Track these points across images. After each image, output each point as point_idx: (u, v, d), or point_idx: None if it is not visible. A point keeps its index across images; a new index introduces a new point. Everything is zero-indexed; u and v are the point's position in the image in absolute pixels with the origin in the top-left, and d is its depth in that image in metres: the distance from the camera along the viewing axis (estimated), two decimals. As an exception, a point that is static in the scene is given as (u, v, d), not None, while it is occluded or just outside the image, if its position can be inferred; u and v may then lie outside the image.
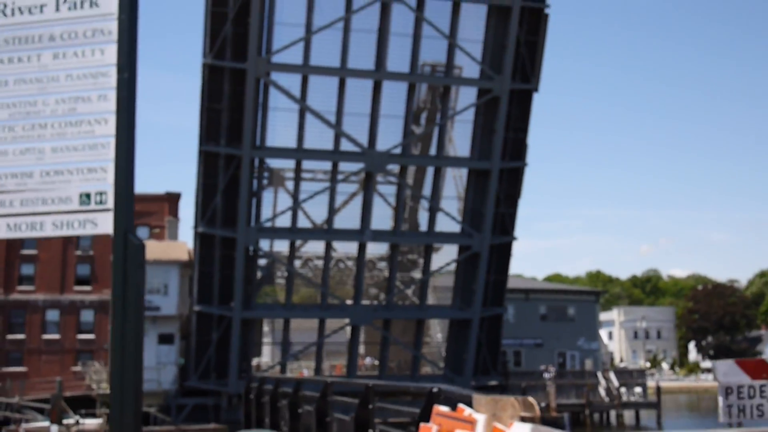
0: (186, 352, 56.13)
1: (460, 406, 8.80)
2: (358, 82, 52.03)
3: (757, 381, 11.59)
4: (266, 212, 55.33)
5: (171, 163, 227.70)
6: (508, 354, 68.27)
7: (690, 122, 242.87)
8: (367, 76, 51.29)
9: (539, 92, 53.75)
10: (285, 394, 17.70)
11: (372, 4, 49.96)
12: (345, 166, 54.40)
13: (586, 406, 57.93)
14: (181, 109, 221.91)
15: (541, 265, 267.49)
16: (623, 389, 61.32)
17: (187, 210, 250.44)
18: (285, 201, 56.59)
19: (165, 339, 56.95)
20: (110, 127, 10.17)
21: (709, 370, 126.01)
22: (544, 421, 8.47)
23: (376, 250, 60.23)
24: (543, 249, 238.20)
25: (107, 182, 10.03)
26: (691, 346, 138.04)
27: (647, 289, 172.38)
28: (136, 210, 10.36)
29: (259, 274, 57.45)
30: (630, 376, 65.00)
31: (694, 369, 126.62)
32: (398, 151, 52.94)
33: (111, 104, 10.23)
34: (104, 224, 9.91)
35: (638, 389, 63.08)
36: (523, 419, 8.17)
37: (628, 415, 62.36)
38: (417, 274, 59.91)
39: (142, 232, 62.69)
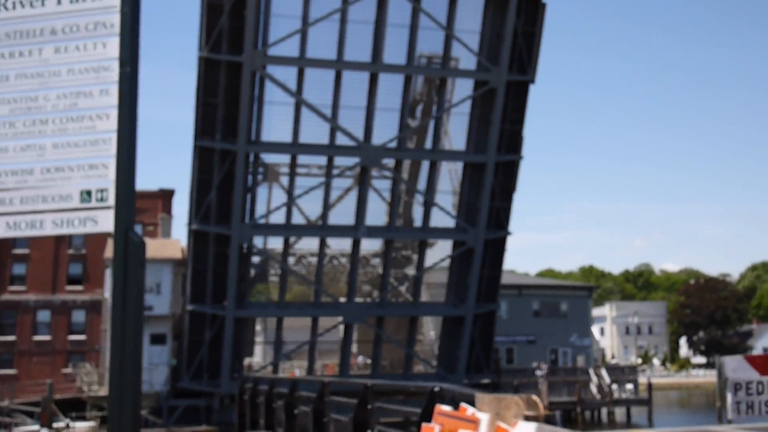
0: (178, 353, 55.72)
1: (463, 405, 8.68)
2: (354, 74, 51.73)
3: (766, 377, 11.51)
4: (260, 208, 55.06)
5: (164, 159, 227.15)
6: (501, 351, 68.19)
7: (683, 116, 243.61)
8: (364, 68, 51.01)
9: (534, 84, 53.56)
10: (280, 394, 17.51)
11: (369, -6, 49.77)
12: (340, 161, 54.12)
13: (578, 404, 57.78)
14: (174, 104, 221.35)
15: (533, 260, 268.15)
16: (615, 386, 61.25)
17: (180, 207, 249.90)
18: (279, 197, 56.32)
19: (157, 339, 56.39)
20: (112, 122, 10.00)
21: (700, 366, 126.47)
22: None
23: (369, 246, 60.01)
24: (535, 244, 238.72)
25: (108, 179, 9.86)
26: (683, 341, 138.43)
27: (639, 283, 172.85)
28: (128, 207, 10.20)
29: (252, 272, 57.10)
30: (621, 373, 64.93)
31: (685, 365, 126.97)
32: (394, 144, 52.66)
33: (113, 99, 10.06)
34: (105, 222, 9.74)
35: (630, 386, 63.02)
36: (528, 418, 8.09)
37: (620, 413, 62.32)
38: (411, 271, 59.67)
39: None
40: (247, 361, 57.24)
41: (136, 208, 10.11)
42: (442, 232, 55.26)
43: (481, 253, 53.68)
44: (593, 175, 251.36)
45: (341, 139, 52.13)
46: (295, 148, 52.27)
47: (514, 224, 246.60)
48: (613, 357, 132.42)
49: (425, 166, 55.94)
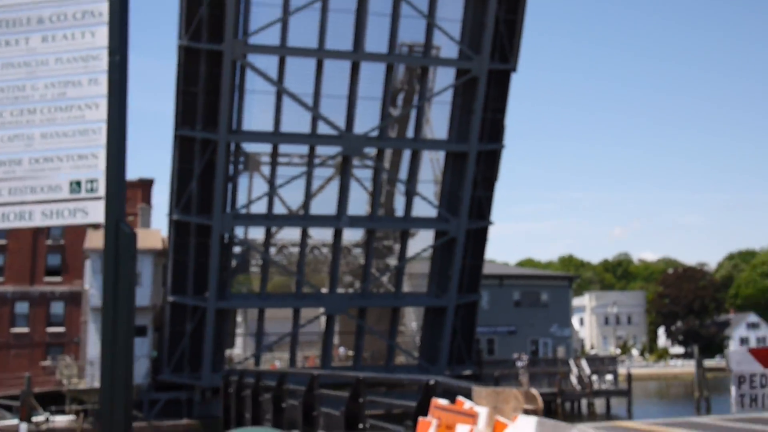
0: (159, 345, 55.35)
1: (460, 398, 8.61)
2: (335, 63, 51.52)
3: (770, 369, 11.49)
4: (242, 198, 54.78)
5: (143, 150, 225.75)
6: (482, 342, 68.26)
7: (662, 103, 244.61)
8: (345, 57, 50.81)
9: (516, 72, 53.56)
10: (267, 387, 17.35)
11: (350, -18, 49.50)
12: (322, 150, 53.91)
13: (558, 395, 57.96)
14: (153, 94, 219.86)
15: (512, 249, 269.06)
16: (595, 377, 61.58)
17: (159, 197, 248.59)
18: (260, 186, 56.01)
19: (138, 331, 55.69)
20: (101, 112, 9.84)
21: (678, 356, 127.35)
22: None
23: (350, 236, 59.89)
24: (515, 233, 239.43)
25: (98, 169, 9.71)
26: (661, 331, 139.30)
27: (618, 273, 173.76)
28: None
29: (233, 263, 56.82)
30: (601, 364, 65.36)
31: (664, 355, 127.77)
32: (375, 134, 52.53)
33: (102, 88, 9.90)
34: (95, 213, 9.59)
35: (609, 377, 63.43)
36: (527, 412, 8.02)
37: (599, 404, 62.64)
38: (392, 261, 59.60)
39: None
40: (227, 353, 56.96)
41: (116, 198, 9.93)
42: (424, 222, 55.22)
43: (463, 243, 53.69)
44: (572, 165, 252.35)
45: (323, 128, 51.95)
46: (276, 137, 52.01)
47: (493, 214, 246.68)
48: (592, 347, 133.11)
49: (407, 155, 55.86)
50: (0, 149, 9.87)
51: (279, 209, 54.75)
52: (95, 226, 53.05)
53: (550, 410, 56.89)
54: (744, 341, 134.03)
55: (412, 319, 61.79)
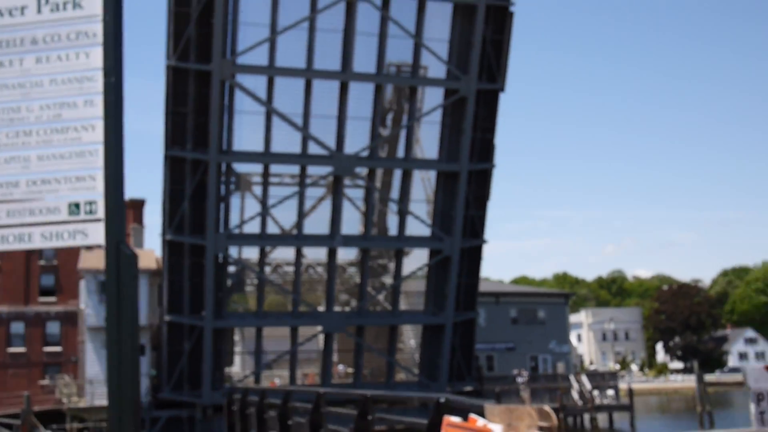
0: (158, 364, 55.18)
1: (472, 416, 8.49)
2: (324, 83, 51.55)
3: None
4: (234, 218, 54.68)
5: (133, 170, 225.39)
6: (481, 359, 68.15)
7: (653, 120, 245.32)
8: (334, 77, 50.86)
9: (505, 92, 53.65)
10: (272, 405, 17.26)
11: (337, 3, 49.44)
12: (313, 170, 53.89)
13: (560, 410, 57.78)
14: (141, 113, 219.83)
15: (506, 267, 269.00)
16: (596, 392, 61.49)
17: (150, 217, 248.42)
18: (252, 206, 55.93)
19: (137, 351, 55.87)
20: (98, 133, 9.78)
21: (678, 371, 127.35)
22: None
23: (345, 255, 59.81)
24: (508, 251, 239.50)
25: (97, 191, 9.65)
26: (659, 346, 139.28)
27: (613, 290, 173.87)
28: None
29: (228, 282, 56.69)
30: (602, 379, 65.31)
31: (663, 370, 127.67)
32: (366, 153, 52.53)
33: (98, 110, 9.84)
34: (95, 235, 9.52)
35: (610, 392, 63.33)
36: (542, 429, 7.91)
37: (602, 419, 62.52)
38: (387, 279, 59.50)
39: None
40: (226, 371, 56.81)
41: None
42: (417, 241, 55.16)
43: (458, 262, 53.62)
44: (562, 183, 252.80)
45: (313, 148, 51.90)
46: (267, 157, 51.96)
47: (485, 232, 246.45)
48: (591, 363, 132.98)
49: (398, 174, 55.81)
50: (-4, 171, 9.81)
51: (272, 229, 54.66)
52: (90, 248, 52.95)
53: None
54: (743, 356, 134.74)
55: (410, 337, 61.64)
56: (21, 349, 64.53)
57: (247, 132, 52.35)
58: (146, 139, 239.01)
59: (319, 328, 54.43)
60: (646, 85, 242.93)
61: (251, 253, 56.99)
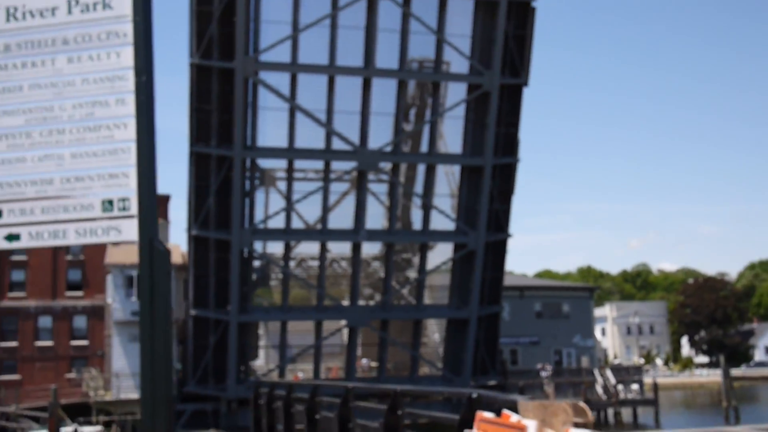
0: (183, 357, 55.54)
1: (505, 412, 8.49)
2: (347, 79, 51.63)
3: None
4: (259, 213, 54.92)
5: (158, 166, 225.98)
6: (505, 353, 68.05)
7: (677, 114, 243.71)
8: (356, 73, 50.93)
9: (528, 86, 53.51)
10: (299, 399, 17.36)
11: (358, 0, 49.59)
12: (337, 165, 54.02)
13: (585, 405, 57.62)
14: (166, 110, 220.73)
15: (530, 261, 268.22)
16: (620, 386, 61.25)
17: (175, 213, 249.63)
18: (277, 201, 56.17)
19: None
20: (130, 131, 9.93)
21: (703, 365, 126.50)
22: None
23: (369, 249, 59.86)
24: (531, 245, 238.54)
25: (130, 188, 9.80)
26: (684, 340, 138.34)
27: (638, 283, 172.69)
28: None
29: (254, 277, 56.95)
30: (626, 373, 65.00)
31: (688, 364, 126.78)
32: (389, 148, 52.60)
33: (130, 108, 9.98)
34: (128, 231, 9.67)
35: (635, 386, 63.02)
36: (577, 425, 7.85)
37: (626, 413, 62.24)
38: (412, 273, 59.56)
39: (133, 236, 62.17)
40: (250, 364, 57.09)
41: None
42: (442, 235, 55.18)
43: (483, 256, 53.57)
44: (587, 176, 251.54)
45: (337, 144, 51.99)
46: (291, 153, 52.14)
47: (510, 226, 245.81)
48: (615, 357, 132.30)
49: (421, 169, 55.81)
50: (31, 169, 9.97)
51: (297, 224, 54.83)
52: (117, 243, 53.31)
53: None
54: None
55: (434, 331, 61.69)
56: (48, 343, 65.23)
57: (271, 128, 52.60)
58: (170, 135, 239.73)
59: (344, 322, 54.56)
60: (672, 82, 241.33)
61: (276, 248, 57.20)
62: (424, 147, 55.78)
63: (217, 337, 51.65)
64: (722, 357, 70.51)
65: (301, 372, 59.40)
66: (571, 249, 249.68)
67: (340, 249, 59.22)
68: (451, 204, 55.89)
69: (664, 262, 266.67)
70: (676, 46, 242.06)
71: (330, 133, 51.27)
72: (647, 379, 68.24)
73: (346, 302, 55.04)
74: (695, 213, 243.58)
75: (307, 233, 54.87)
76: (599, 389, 60.32)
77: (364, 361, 62.58)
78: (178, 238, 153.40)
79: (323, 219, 53.30)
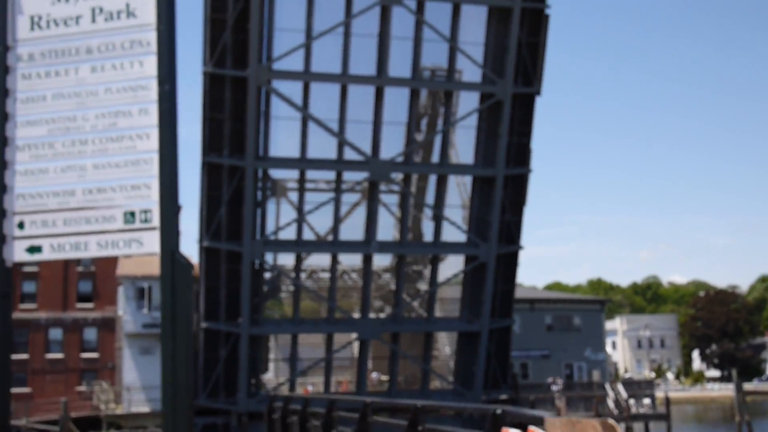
0: (194, 370, 55.31)
1: (531, 428, 8.34)
2: (360, 88, 51.45)
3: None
4: (270, 225, 54.73)
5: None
6: (515, 366, 67.70)
7: (687, 125, 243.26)
8: (369, 82, 50.71)
9: (540, 95, 53.23)
10: (315, 413, 17.18)
11: (372, 7, 49.34)
12: (348, 176, 53.82)
13: (595, 420, 57.24)
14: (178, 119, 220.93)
15: (539, 273, 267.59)
16: (632, 401, 60.88)
17: (186, 223, 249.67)
18: (288, 212, 56.01)
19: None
20: (153, 142, 9.84)
21: (715, 379, 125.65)
22: None
23: (379, 261, 59.62)
24: (540, 257, 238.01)
25: (152, 199, 9.70)
26: (695, 354, 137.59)
27: (648, 296, 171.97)
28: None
29: (264, 288, 56.70)
30: (638, 387, 64.67)
31: (700, 378, 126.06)
32: (401, 159, 52.37)
33: (152, 118, 9.90)
34: (150, 243, 9.57)
35: (647, 400, 62.66)
36: (606, 442, 7.70)
37: (638, 428, 61.79)
38: (423, 286, 59.26)
39: (144, 247, 62.08)
40: (261, 378, 56.84)
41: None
42: (453, 247, 54.84)
43: (494, 268, 53.16)
44: (596, 187, 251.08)
45: (349, 154, 51.75)
46: (303, 163, 51.96)
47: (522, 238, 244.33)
48: (626, 371, 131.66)
49: (433, 179, 55.58)
50: (53, 180, 9.89)
51: (308, 235, 54.62)
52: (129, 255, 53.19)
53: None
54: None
55: (445, 344, 61.31)
56: (59, 355, 65.11)
57: (283, 138, 52.44)
58: (181, 145, 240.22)
59: (354, 335, 54.26)
60: (683, 92, 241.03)
61: (287, 260, 56.99)
62: (435, 157, 55.51)
63: (228, 350, 51.36)
64: (734, 371, 70.03)
65: (311, 385, 59.11)
66: (580, 261, 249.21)
67: (350, 261, 58.98)
68: (462, 215, 55.55)
69: (675, 275, 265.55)
70: (686, 55, 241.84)
71: (342, 143, 51.08)
72: (659, 394, 67.87)
73: (356, 315, 54.74)
74: (706, 225, 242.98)
75: (318, 245, 54.64)
76: (611, 403, 59.94)
77: (375, 374, 62.23)
78: (188, 249, 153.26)
79: (334, 230, 53.05)
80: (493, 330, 54.09)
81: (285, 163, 52.63)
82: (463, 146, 55.35)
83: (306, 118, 50.56)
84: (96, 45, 10.26)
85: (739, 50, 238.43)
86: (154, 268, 56.75)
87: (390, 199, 56.76)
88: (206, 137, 49.80)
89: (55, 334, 65.60)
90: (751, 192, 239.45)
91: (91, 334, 66.17)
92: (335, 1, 49.50)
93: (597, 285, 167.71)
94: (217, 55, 48.25)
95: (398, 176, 54.01)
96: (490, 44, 51.89)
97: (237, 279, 50.63)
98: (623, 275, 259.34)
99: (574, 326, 72.88)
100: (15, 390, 61.91)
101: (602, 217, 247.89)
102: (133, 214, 9.75)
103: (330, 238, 53.57)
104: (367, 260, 53.31)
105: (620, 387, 61.50)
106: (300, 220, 52.77)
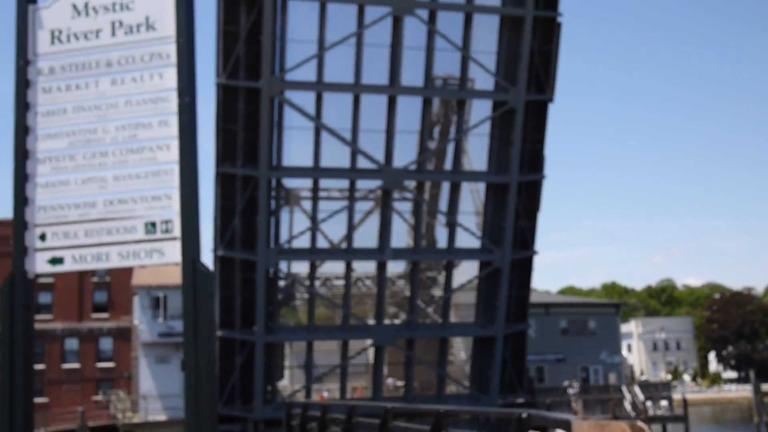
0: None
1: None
2: (372, 97, 51.61)
3: None
4: (284, 233, 54.90)
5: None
6: (531, 370, 67.66)
7: (700, 128, 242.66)
8: (382, 91, 50.86)
9: (553, 102, 53.31)
10: (335, 420, 17.23)
11: (384, 18, 49.50)
12: (362, 184, 53.99)
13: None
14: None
15: (553, 277, 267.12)
16: (649, 403, 60.77)
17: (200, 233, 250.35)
18: (301, 221, 56.14)
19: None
20: (173, 153, 9.97)
21: (731, 381, 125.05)
22: None
23: (393, 268, 59.70)
24: (554, 261, 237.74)
25: (173, 210, 9.82)
26: (712, 356, 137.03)
27: (663, 299, 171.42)
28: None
29: (279, 297, 56.88)
30: (655, 389, 64.52)
31: (716, 380, 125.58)
32: (414, 167, 52.50)
33: (172, 130, 10.03)
34: (171, 253, 9.70)
35: (664, 402, 62.52)
36: (636, 445, 7.69)
37: (656, 430, 61.65)
38: (437, 292, 59.31)
39: (159, 257, 62.41)
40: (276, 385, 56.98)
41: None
42: (467, 253, 54.91)
43: (508, 273, 53.21)
44: (609, 191, 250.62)
45: (362, 163, 51.91)
46: (316, 172, 52.14)
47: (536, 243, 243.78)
48: (642, 373, 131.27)
49: (446, 187, 55.66)
50: (74, 192, 10.02)
51: (321, 243, 54.74)
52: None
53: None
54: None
55: (460, 349, 61.34)
56: (75, 365, 65.46)
57: (296, 147, 52.60)
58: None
59: (369, 341, 54.36)
60: (696, 96, 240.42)
61: (301, 268, 57.14)
62: (448, 164, 55.63)
63: (243, 358, 51.54)
64: (752, 372, 69.84)
65: (326, 392, 59.23)
66: (595, 265, 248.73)
67: (364, 268, 59.08)
68: (476, 222, 55.64)
69: (689, 278, 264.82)
70: (702, 62, 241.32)
71: (355, 152, 51.25)
72: (676, 395, 67.68)
73: (371, 321, 54.85)
74: (720, 227, 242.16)
75: (332, 252, 54.79)
76: (627, 406, 59.82)
77: (390, 380, 62.30)
78: (203, 259, 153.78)
79: (348, 238, 53.19)
80: (509, 335, 54.10)
81: (298, 172, 52.80)
82: (476, 153, 55.42)
83: (319, 128, 50.74)
84: (116, 58, 10.41)
85: (749, 55, 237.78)
86: (169, 277, 57.11)
87: (403, 207, 56.90)
88: (219, 148, 50.01)
89: (71, 344, 65.99)
90: (764, 195, 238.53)
91: (106, 343, 66.53)
92: (347, 12, 49.66)
93: (611, 289, 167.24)
94: (230, 66, 48.49)
95: (411, 184, 54.14)
96: (503, 53, 51.95)
97: (252, 288, 50.82)
98: (637, 279, 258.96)
99: (590, 330, 72.82)
100: (33, 400, 62.34)
101: (616, 221, 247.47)
102: (154, 224, 9.87)
103: (344, 245, 53.71)
104: (381, 267, 53.42)
105: (637, 389, 61.37)
106: (314, 228, 52.93)
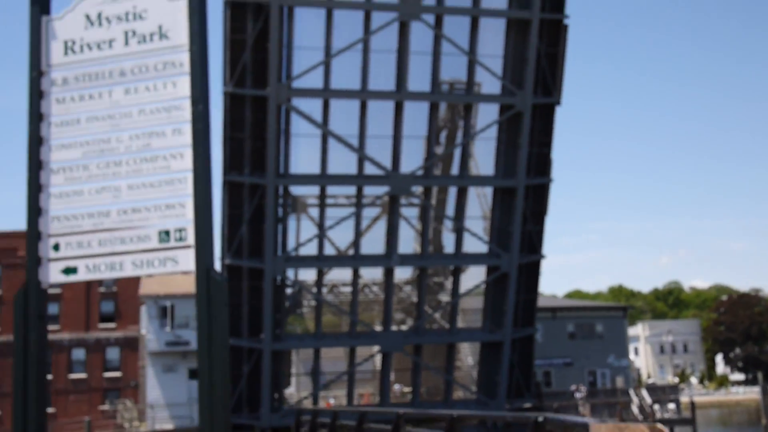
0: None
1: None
2: (379, 103, 51.60)
3: None
4: (291, 241, 54.89)
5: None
6: (538, 375, 67.60)
7: (704, 131, 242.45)
8: (389, 97, 50.83)
9: (560, 105, 53.23)
10: (344, 426, 17.23)
11: (390, 23, 49.53)
12: (369, 190, 53.94)
13: (620, 425, 57.01)
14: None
15: (559, 281, 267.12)
16: (656, 406, 60.67)
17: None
18: (308, 228, 56.16)
19: (196, 374, 56.23)
20: (187, 161, 10.00)
21: (739, 383, 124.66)
22: None
23: (400, 273, 59.69)
24: (560, 265, 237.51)
25: (186, 218, 9.85)
26: (719, 358, 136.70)
27: (670, 301, 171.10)
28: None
29: (286, 304, 56.88)
30: (662, 392, 64.43)
31: (724, 382, 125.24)
32: (421, 172, 52.47)
33: (186, 138, 10.06)
34: (185, 261, 9.72)
35: (671, 405, 62.41)
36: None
37: (663, 433, 61.46)
38: (444, 297, 59.25)
39: (166, 265, 62.49)
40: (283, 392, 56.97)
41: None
42: (474, 258, 54.82)
43: (516, 278, 53.15)
44: (614, 194, 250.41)
45: (369, 169, 51.89)
46: (323, 179, 52.15)
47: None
48: (649, 376, 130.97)
49: (453, 191, 55.63)
50: (88, 201, 10.05)
51: (329, 250, 54.71)
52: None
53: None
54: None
55: (467, 354, 61.28)
56: (82, 375, 65.49)
57: (303, 154, 52.59)
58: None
59: (377, 347, 54.33)
60: (701, 97, 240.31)
61: (308, 275, 57.17)
62: (455, 169, 55.56)
63: (250, 366, 51.53)
64: (760, 374, 69.71)
65: (333, 399, 59.20)
66: (601, 268, 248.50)
67: (371, 274, 59.04)
68: (483, 226, 55.53)
69: (696, 280, 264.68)
70: (710, 64, 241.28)
71: (362, 158, 51.22)
72: (683, 398, 67.60)
73: (378, 328, 54.80)
74: (726, 229, 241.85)
75: (339, 259, 54.76)
76: (635, 409, 59.72)
77: (397, 386, 62.25)
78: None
79: (355, 245, 53.15)
80: (516, 339, 54.04)
81: (305, 179, 52.79)
82: (483, 158, 55.35)
83: (326, 135, 50.75)
84: (129, 67, 10.45)
85: (757, 55, 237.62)
86: (176, 286, 57.18)
87: (410, 212, 56.81)
88: (227, 156, 50.04)
89: (78, 354, 66.05)
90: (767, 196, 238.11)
91: (113, 353, 66.58)
92: (354, 19, 49.71)
93: (618, 292, 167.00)
94: (237, 75, 48.53)
95: (418, 189, 54.13)
96: (509, 56, 51.89)
97: (259, 295, 50.83)
98: (644, 281, 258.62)
99: (597, 333, 72.77)
100: (41, 410, 62.38)
101: (622, 224, 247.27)
102: (167, 233, 9.90)
103: (351, 252, 53.69)
104: (389, 273, 53.38)
105: (644, 392, 61.26)
106: (321, 235, 52.93)
